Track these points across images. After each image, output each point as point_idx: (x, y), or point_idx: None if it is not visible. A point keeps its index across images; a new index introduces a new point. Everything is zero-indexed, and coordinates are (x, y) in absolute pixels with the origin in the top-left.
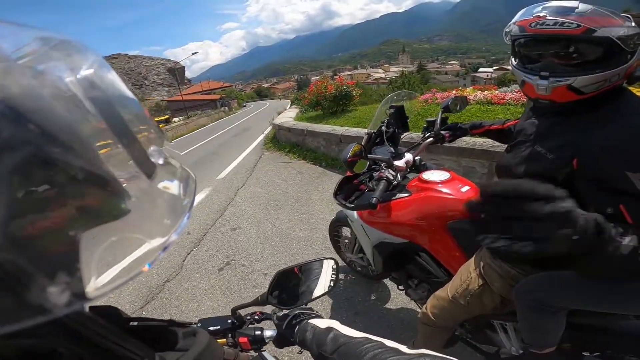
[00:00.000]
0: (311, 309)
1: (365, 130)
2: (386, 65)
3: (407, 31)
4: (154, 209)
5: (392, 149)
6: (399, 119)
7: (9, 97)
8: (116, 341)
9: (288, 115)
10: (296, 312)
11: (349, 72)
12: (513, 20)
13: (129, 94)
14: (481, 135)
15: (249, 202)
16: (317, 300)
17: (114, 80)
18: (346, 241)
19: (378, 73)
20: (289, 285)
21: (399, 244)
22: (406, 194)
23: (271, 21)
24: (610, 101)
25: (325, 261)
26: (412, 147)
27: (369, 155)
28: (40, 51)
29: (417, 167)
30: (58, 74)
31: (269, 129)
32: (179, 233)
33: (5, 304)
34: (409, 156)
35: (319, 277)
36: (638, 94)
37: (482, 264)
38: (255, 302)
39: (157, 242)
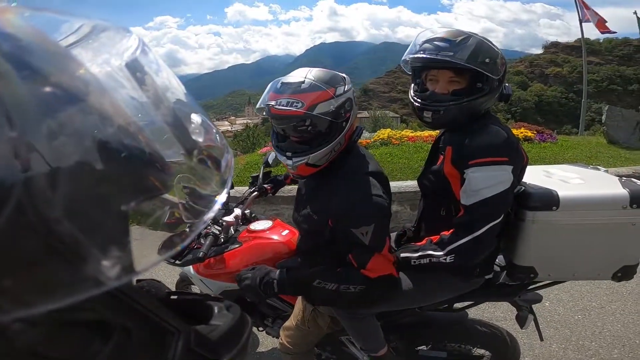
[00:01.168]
0: None
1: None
2: (232, 118)
3: (254, 83)
4: (195, 184)
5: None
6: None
7: (62, 82)
8: (158, 313)
9: None
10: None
11: None
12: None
13: (171, 74)
14: (291, 183)
15: None
16: None
17: (157, 62)
18: None
19: (224, 126)
20: None
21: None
22: (238, 245)
23: None
24: (340, 165)
25: None
26: (240, 201)
27: None
28: (88, 38)
29: (247, 219)
30: (106, 58)
31: None
32: (218, 207)
33: (64, 276)
34: (237, 211)
35: None
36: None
37: None
38: None
39: (198, 216)
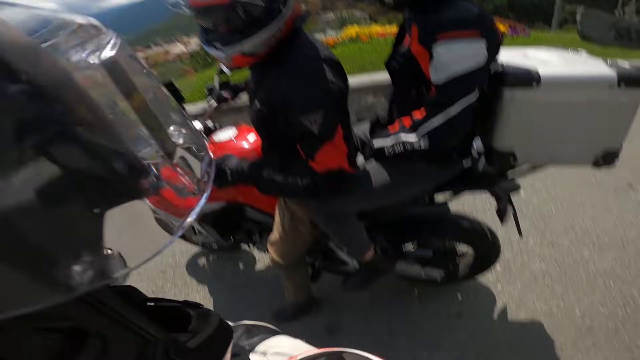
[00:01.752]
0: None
1: None
2: (184, 38)
3: None
4: (173, 187)
5: None
6: (173, 95)
7: (34, 79)
8: (134, 321)
9: None
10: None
11: (142, 54)
12: None
13: (149, 73)
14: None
15: None
16: None
17: (135, 60)
18: None
19: (178, 48)
20: None
21: (219, 208)
22: None
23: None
24: (284, 52)
25: None
26: (199, 115)
27: None
28: (63, 34)
29: (210, 131)
30: (81, 55)
31: None
32: (197, 212)
33: (31, 282)
34: (197, 124)
35: None
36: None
37: (284, 199)
38: None
39: (175, 221)
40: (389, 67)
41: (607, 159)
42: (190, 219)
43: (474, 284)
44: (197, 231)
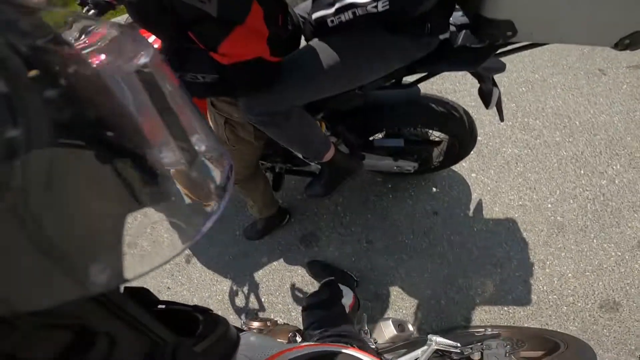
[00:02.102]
0: None
1: None
2: None
3: None
4: (194, 193)
5: None
6: None
7: (72, 83)
8: (144, 323)
9: None
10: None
11: None
12: None
13: (176, 83)
14: None
15: None
16: None
17: (165, 69)
18: None
19: None
20: None
21: None
22: None
23: None
24: None
25: None
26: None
27: None
28: (101, 41)
29: None
30: (117, 63)
31: None
32: (214, 219)
33: (50, 279)
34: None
35: None
36: None
37: (211, 102)
38: None
39: (194, 226)
40: None
41: (635, 40)
42: (209, 224)
43: (448, 174)
44: None
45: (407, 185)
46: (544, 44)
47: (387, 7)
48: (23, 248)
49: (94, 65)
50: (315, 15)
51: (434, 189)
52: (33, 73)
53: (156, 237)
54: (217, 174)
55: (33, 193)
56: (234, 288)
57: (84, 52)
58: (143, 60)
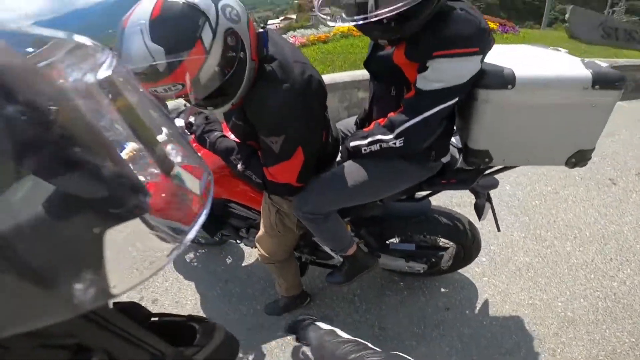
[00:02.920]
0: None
1: None
2: None
3: None
4: (172, 205)
5: None
6: None
7: (31, 100)
8: (139, 336)
9: None
10: None
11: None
12: None
13: (146, 92)
14: None
15: None
16: None
17: (131, 79)
18: None
19: None
20: None
21: None
22: None
23: None
24: (257, 79)
25: None
26: (180, 112)
27: None
28: (59, 54)
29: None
30: (78, 75)
31: None
32: (196, 229)
33: (35, 300)
34: (180, 121)
35: None
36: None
37: (269, 195)
38: None
39: (176, 238)
40: (368, 67)
41: (580, 158)
42: (190, 235)
43: (461, 277)
44: None
45: (422, 285)
46: (515, 167)
47: (402, 144)
48: (4, 273)
49: (57, 80)
50: (352, 144)
51: (447, 289)
52: None
53: (140, 251)
54: (195, 183)
55: (4, 215)
56: (248, 357)
57: (41, 64)
58: (105, 70)
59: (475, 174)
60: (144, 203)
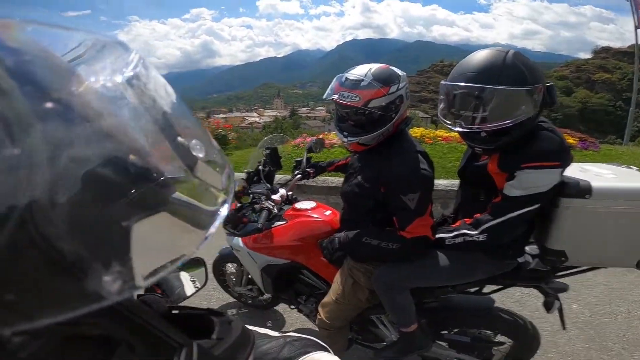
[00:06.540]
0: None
1: (244, 171)
2: (261, 110)
3: (284, 76)
4: (195, 199)
5: (268, 185)
6: (274, 159)
7: (66, 99)
8: (160, 328)
9: None
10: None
11: (224, 115)
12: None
13: (170, 90)
14: (335, 170)
15: None
16: None
17: (157, 77)
18: (232, 277)
19: (253, 117)
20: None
21: (283, 265)
22: (283, 222)
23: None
24: (391, 145)
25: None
26: (284, 183)
27: (251, 190)
28: (89, 53)
29: (289, 201)
30: (108, 74)
31: None
32: (219, 222)
33: (66, 291)
34: (283, 191)
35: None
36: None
37: (349, 267)
38: None
39: (199, 231)
40: (461, 174)
41: None
42: (214, 228)
43: None
44: (243, 282)
45: None
46: (591, 269)
47: (485, 239)
48: (38, 265)
49: (89, 78)
50: (438, 236)
51: None
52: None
53: (164, 243)
54: (217, 178)
55: (42, 212)
56: None
57: (74, 63)
58: (133, 69)
59: (548, 273)
60: (170, 197)
